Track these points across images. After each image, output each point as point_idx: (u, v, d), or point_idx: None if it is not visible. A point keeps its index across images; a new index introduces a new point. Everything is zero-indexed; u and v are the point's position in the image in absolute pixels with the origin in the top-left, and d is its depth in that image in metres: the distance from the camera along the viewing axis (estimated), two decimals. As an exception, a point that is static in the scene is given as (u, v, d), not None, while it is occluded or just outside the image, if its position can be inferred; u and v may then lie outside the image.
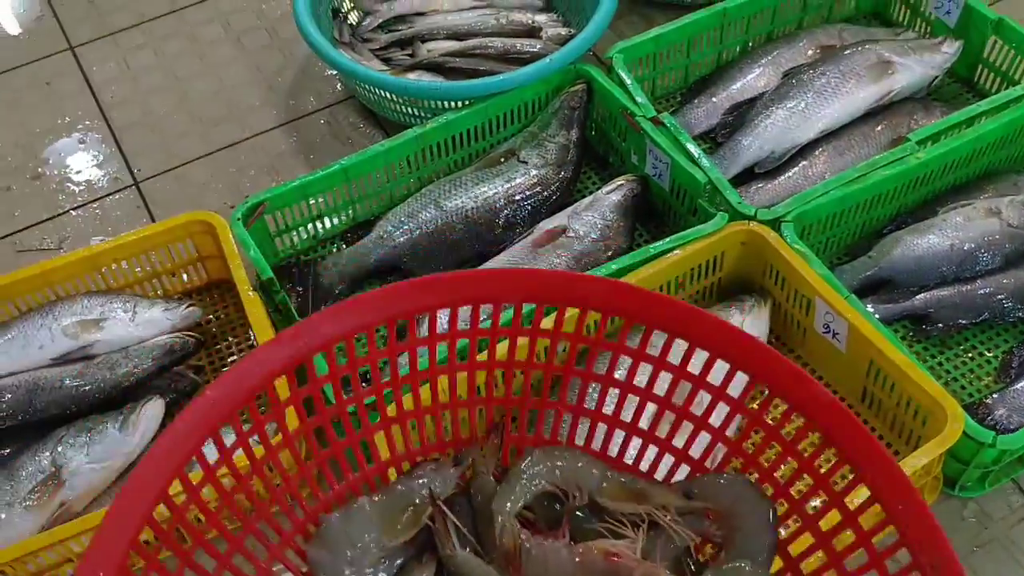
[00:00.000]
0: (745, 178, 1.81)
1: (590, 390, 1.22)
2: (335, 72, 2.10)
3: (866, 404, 1.51)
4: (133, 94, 2.12)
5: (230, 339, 1.68)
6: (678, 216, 1.74)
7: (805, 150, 1.80)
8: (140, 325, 1.57)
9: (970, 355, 1.60)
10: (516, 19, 2.10)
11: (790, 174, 1.79)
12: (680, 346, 1.12)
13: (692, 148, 1.68)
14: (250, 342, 1.67)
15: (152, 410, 1.44)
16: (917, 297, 1.62)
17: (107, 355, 1.54)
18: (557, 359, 1.22)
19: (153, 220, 1.88)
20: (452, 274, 1.17)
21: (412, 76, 1.97)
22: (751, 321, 1.55)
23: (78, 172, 1.97)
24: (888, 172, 1.63)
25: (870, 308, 1.57)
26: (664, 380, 1.15)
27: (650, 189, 1.77)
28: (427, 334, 1.19)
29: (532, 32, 2.09)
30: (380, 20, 2.15)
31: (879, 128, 1.82)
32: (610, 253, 1.67)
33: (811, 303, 1.51)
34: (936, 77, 1.88)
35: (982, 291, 1.61)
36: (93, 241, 1.84)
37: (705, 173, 1.64)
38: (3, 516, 1.39)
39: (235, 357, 1.65)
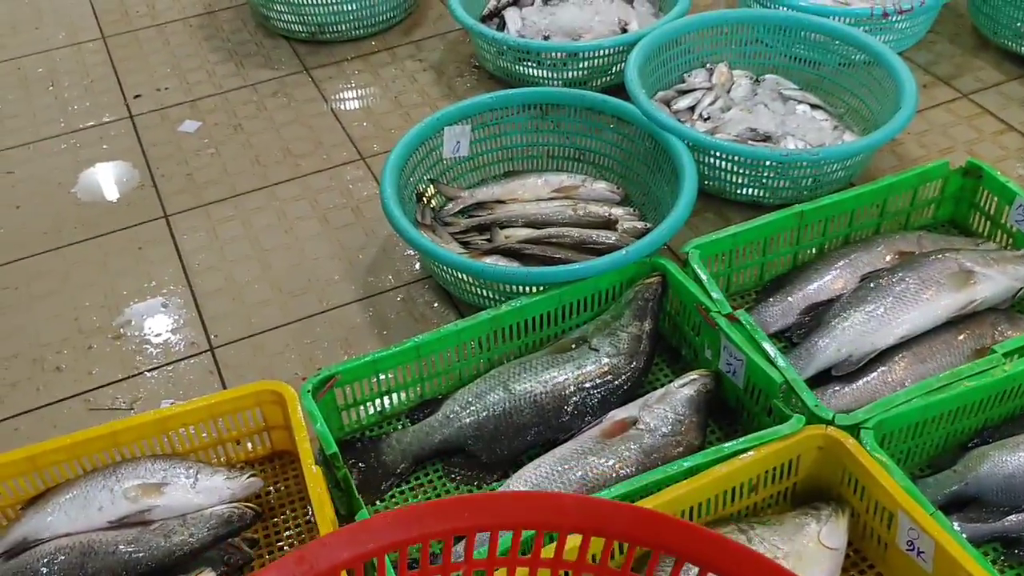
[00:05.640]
0: (821, 380, 1.77)
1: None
2: (414, 252, 2.15)
3: (955, 633, 1.40)
4: (219, 262, 2.19)
5: (287, 513, 1.65)
6: (752, 415, 1.69)
7: (884, 355, 1.76)
8: (200, 492, 1.55)
9: (1068, 586, 1.49)
10: (593, 211, 2.15)
11: (868, 379, 1.74)
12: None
13: (768, 347, 1.65)
14: (307, 517, 1.63)
15: (202, 583, 1.41)
16: (1008, 518, 1.53)
17: (164, 521, 1.52)
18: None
19: (224, 385, 1.89)
20: (499, 495, 1.11)
21: (489, 260, 2.01)
22: (828, 531, 1.47)
23: (157, 335, 2.02)
24: (974, 383, 1.58)
25: (956, 527, 1.48)
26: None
27: (723, 385, 1.74)
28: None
29: (608, 224, 2.13)
30: (462, 205, 2.22)
31: (961, 337, 1.78)
32: (681, 449, 1.63)
33: (893, 517, 1.43)
34: (1020, 289, 1.85)
35: (1079, 517, 1.52)
36: (163, 403, 1.86)
37: (781, 373, 1.61)
38: None
39: (290, 532, 1.62)
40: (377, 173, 2.41)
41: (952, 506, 1.56)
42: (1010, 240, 2.01)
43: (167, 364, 1.96)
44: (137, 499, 1.53)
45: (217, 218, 2.32)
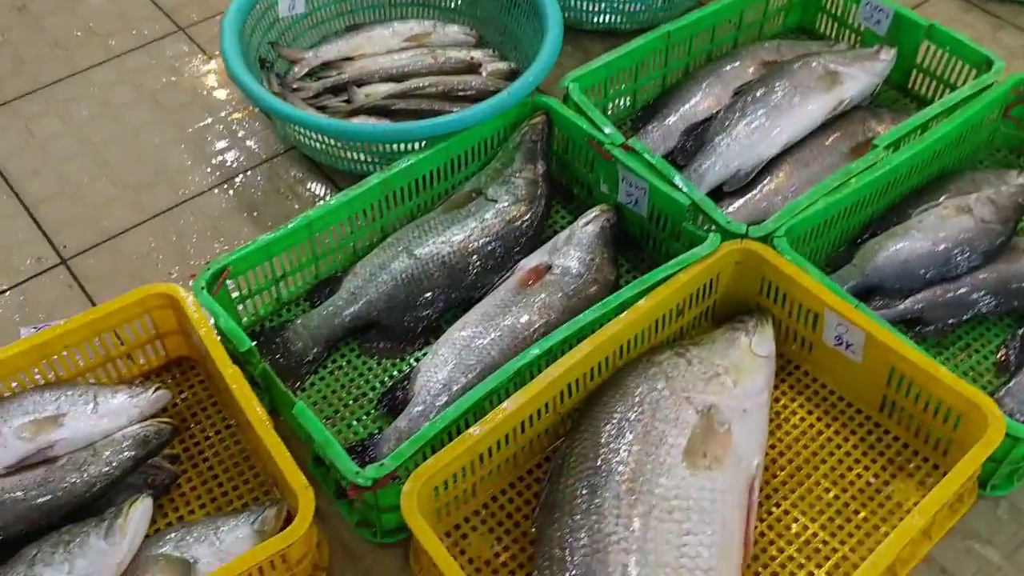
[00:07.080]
0: (713, 197, 1.77)
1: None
2: (265, 124, 1.97)
3: (885, 413, 1.48)
4: (43, 164, 1.93)
5: (203, 421, 1.52)
6: (658, 243, 1.69)
7: (770, 165, 1.79)
8: (105, 416, 1.39)
9: (966, 353, 1.60)
10: (453, 56, 2.03)
11: (760, 189, 1.78)
12: None
13: (670, 172, 1.64)
14: (227, 423, 1.51)
15: (141, 511, 1.27)
16: (907, 300, 1.62)
17: (71, 455, 1.36)
18: None
19: (91, 300, 1.70)
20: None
21: (356, 121, 1.87)
22: (757, 340, 1.50)
23: (-8, 255, 1.78)
24: (866, 179, 1.63)
25: (870, 316, 1.55)
26: None
27: (625, 217, 1.72)
28: None
29: (472, 68, 2.02)
30: (307, 68, 2.04)
31: (836, 136, 1.83)
32: (597, 286, 1.61)
33: (818, 316, 1.48)
34: (878, 84, 1.91)
35: (966, 288, 1.62)
36: (23, 332, 1.64)
37: (688, 195, 1.60)
38: (-26, 657, 1.19)
39: (211, 439, 1.49)
40: (203, 44, 2.17)
41: (856, 298, 1.63)
42: (858, 39, 2.06)
43: (14, 286, 1.72)
44: (33, 437, 1.36)
45: (27, 115, 2.03)
